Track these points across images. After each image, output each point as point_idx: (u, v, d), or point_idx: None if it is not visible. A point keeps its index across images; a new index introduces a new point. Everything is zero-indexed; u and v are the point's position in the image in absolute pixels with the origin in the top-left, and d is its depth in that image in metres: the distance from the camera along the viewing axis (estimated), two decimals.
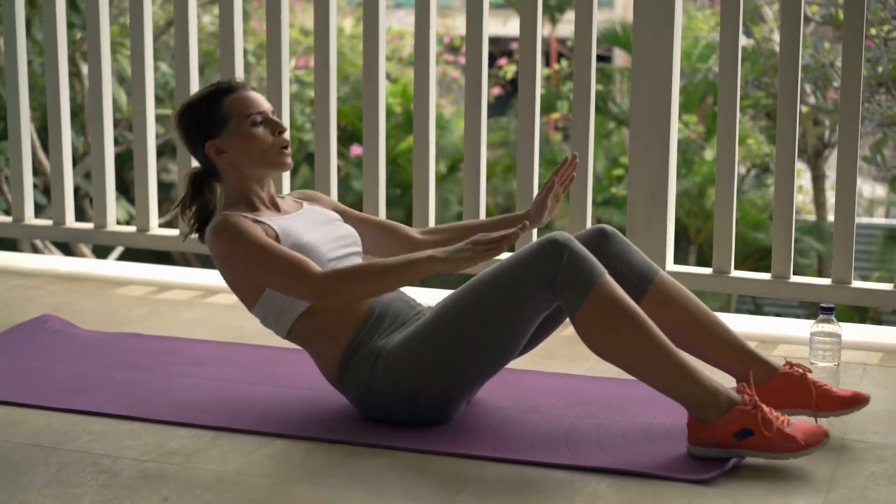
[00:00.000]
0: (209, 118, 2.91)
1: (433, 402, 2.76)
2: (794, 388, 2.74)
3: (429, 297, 3.63)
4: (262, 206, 2.93)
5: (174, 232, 4.54)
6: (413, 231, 3.14)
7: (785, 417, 2.55)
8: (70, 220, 4.66)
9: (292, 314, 2.82)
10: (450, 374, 2.72)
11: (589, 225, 3.94)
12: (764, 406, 2.53)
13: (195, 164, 3.04)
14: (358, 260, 2.95)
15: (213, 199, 2.98)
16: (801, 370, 2.77)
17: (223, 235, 2.80)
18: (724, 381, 2.78)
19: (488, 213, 13.04)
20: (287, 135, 2.95)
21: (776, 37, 9.85)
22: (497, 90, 14.47)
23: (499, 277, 2.68)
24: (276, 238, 2.81)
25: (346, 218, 3.12)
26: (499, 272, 2.69)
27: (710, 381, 2.56)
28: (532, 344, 2.91)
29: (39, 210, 9.07)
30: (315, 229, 2.91)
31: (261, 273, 2.77)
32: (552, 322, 2.87)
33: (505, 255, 3.47)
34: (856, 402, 2.73)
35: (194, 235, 3.01)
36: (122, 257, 10.20)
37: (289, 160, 2.94)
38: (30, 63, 6.94)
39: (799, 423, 2.55)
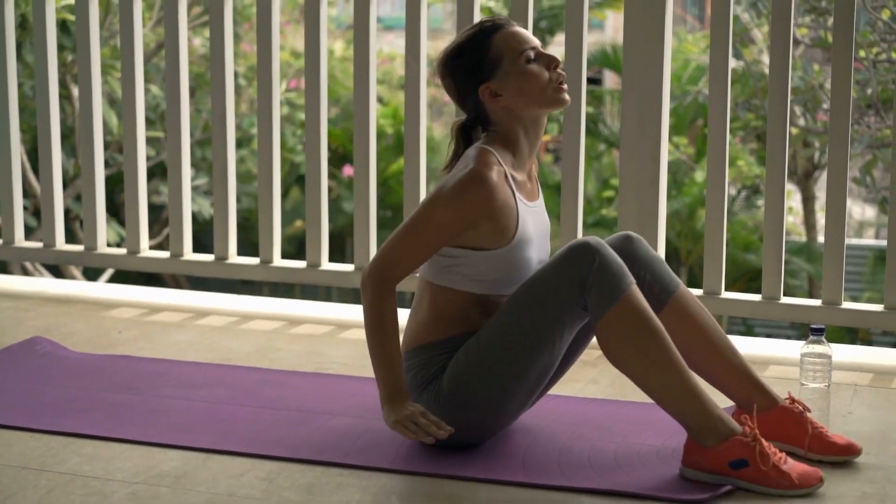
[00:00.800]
0: (480, 60, 2.75)
1: (472, 425, 2.73)
2: (790, 424, 2.74)
3: None
4: (522, 167, 2.79)
5: (164, 254, 4.53)
6: None
7: (783, 455, 2.54)
8: (60, 243, 4.65)
9: (457, 283, 2.73)
10: (490, 395, 2.69)
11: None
12: (763, 440, 2.53)
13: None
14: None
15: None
16: (800, 408, 2.76)
17: (469, 180, 2.65)
18: (723, 402, 2.79)
19: None
20: (562, 70, 2.79)
21: (766, 59, 9.89)
22: None
23: (533, 288, 2.65)
24: (515, 229, 2.71)
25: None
26: (533, 283, 2.66)
27: (717, 409, 2.56)
28: (564, 367, 2.87)
29: (29, 232, 9.06)
30: (538, 242, 2.81)
31: (414, 223, 2.68)
32: (580, 345, 2.84)
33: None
34: (848, 451, 2.72)
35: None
36: (112, 279, 10.18)
37: (567, 97, 2.77)
38: (20, 85, 6.94)
39: (795, 463, 2.54)
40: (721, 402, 2.81)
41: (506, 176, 2.72)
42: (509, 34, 2.77)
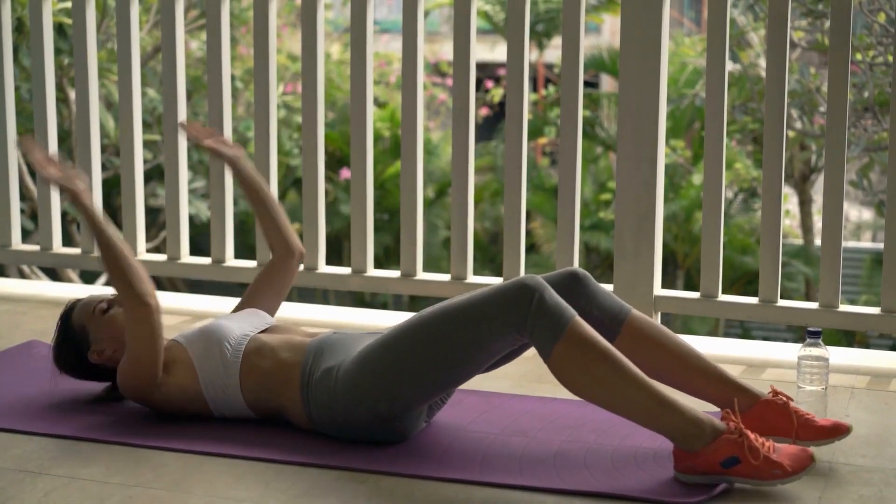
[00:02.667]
0: (73, 340, 3.06)
1: (392, 417, 2.76)
2: (776, 415, 2.74)
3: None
4: None
5: (162, 257, 4.53)
6: (274, 253, 3.35)
7: (771, 443, 2.54)
8: (57, 246, 4.65)
9: (233, 381, 2.91)
10: (406, 393, 2.73)
11: (576, 251, 3.94)
12: (750, 434, 2.53)
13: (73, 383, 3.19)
14: (265, 318, 3.14)
15: None
16: (784, 398, 2.77)
17: (120, 381, 2.96)
18: (706, 409, 2.79)
19: (476, 239, 13.07)
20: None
21: (762, 62, 9.89)
22: (485, 111, 14.51)
23: (466, 313, 2.67)
24: (180, 345, 2.99)
25: (249, 297, 3.32)
26: (466, 308, 2.68)
27: (693, 411, 2.56)
28: (495, 367, 2.90)
29: (26, 235, 9.06)
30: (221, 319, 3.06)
31: (137, 363, 2.91)
32: (517, 352, 2.86)
33: (494, 281, 3.47)
34: (836, 431, 2.73)
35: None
36: (109, 283, 10.18)
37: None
38: (17, 89, 6.94)
39: (785, 448, 2.55)
40: (705, 409, 2.81)
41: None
42: (80, 306, 3.09)
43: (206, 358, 2.92)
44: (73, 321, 3.08)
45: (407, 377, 2.72)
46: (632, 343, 2.82)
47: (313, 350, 2.87)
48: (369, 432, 2.80)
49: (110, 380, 3.11)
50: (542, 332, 2.60)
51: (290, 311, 4.31)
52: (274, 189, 4.29)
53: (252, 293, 3.31)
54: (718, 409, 2.83)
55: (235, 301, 4.42)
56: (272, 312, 3.28)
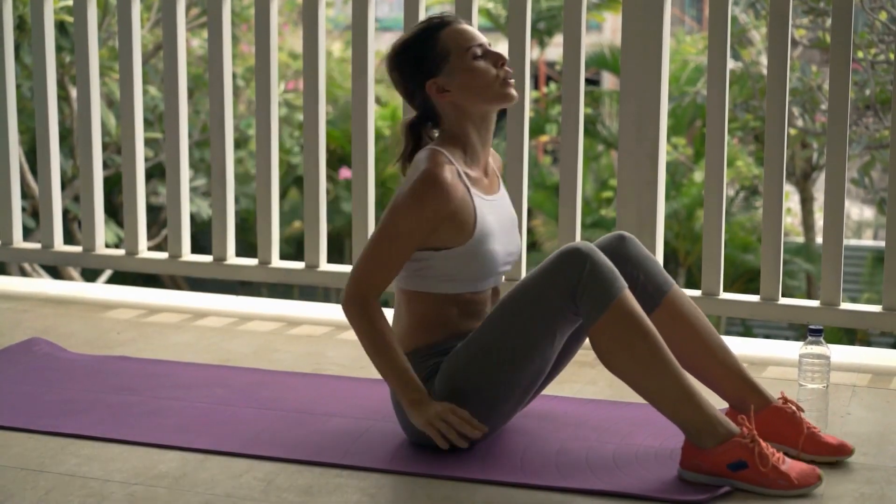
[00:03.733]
0: (427, 55, 2.77)
1: (485, 421, 2.73)
2: (783, 424, 2.74)
3: None
4: (476, 163, 2.81)
5: (163, 255, 4.53)
6: None
7: (781, 455, 2.54)
8: (58, 244, 4.65)
9: (428, 286, 2.76)
10: (483, 399, 2.70)
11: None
12: (762, 441, 2.53)
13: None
14: (501, 278, 2.88)
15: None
16: (793, 407, 2.76)
17: (423, 183, 2.67)
18: (716, 402, 2.79)
19: None
20: (509, 67, 2.80)
21: (764, 60, 9.90)
22: None
23: (524, 293, 2.65)
24: (473, 224, 2.73)
25: None
26: (524, 288, 2.66)
27: (714, 410, 2.56)
28: (557, 369, 2.89)
29: (28, 233, 9.06)
30: (502, 235, 2.82)
31: (379, 236, 2.70)
32: (572, 347, 2.85)
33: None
34: (840, 451, 2.72)
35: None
36: (110, 280, 10.19)
37: (514, 92, 2.78)
38: (18, 87, 6.94)
39: (793, 463, 2.54)
40: (715, 402, 2.81)
41: (459, 174, 2.74)
42: (456, 31, 2.79)
43: (457, 260, 2.74)
44: (440, 39, 2.77)
45: (491, 379, 2.67)
46: (668, 318, 2.79)
47: (460, 338, 2.77)
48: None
49: (422, 112, 2.83)
50: (592, 299, 2.58)
51: (289, 310, 4.31)
52: (275, 187, 4.29)
53: None
54: (727, 405, 2.83)
55: (237, 298, 4.44)
56: None
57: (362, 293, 2.71)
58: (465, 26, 2.81)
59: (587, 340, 2.71)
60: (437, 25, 2.80)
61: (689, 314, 2.82)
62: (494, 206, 2.82)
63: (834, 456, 2.71)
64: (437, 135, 2.85)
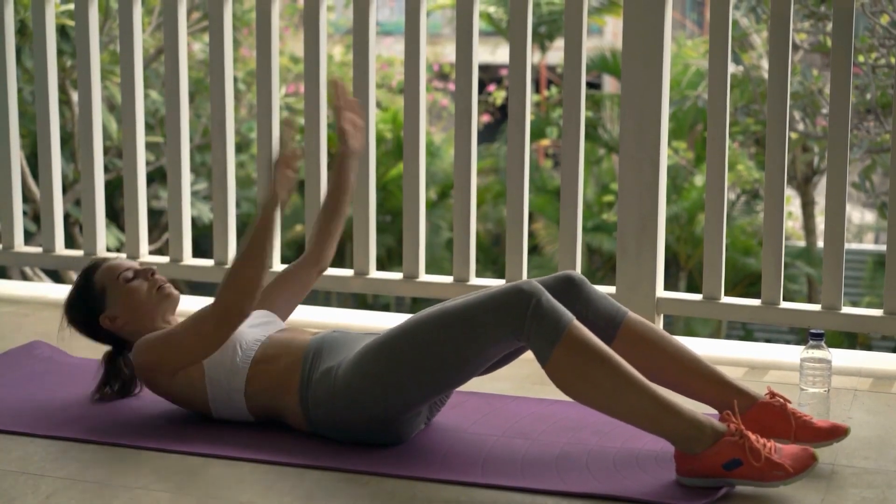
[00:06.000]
0: (87, 300, 3.08)
1: (389, 419, 2.76)
2: (773, 417, 2.74)
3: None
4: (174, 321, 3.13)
5: (164, 259, 4.53)
6: (304, 256, 3.32)
7: (772, 444, 2.54)
8: (60, 248, 4.65)
9: (239, 385, 2.90)
10: (403, 396, 2.73)
11: (579, 250, 3.94)
12: (750, 435, 2.53)
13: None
14: (278, 324, 3.12)
15: (132, 374, 3.14)
16: (781, 400, 2.77)
17: (140, 351, 2.95)
18: (705, 411, 2.79)
19: (479, 240, 13.06)
20: (159, 276, 3.11)
21: (765, 64, 9.90)
22: (486, 118, 14.52)
23: (463, 318, 2.67)
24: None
25: (263, 299, 3.24)
26: (463, 312, 2.67)
27: (693, 413, 2.55)
28: (493, 369, 2.90)
29: (29, 237, 9.05)
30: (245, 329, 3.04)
31: (173, 350, 2.91)
32: (514, 355, 2.86)
33: (496, 283, 3.47)
34: (834, 433, 2.73)
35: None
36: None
37: (173, 292, 3.11)
38: (20, 91, 6.94)
39: (786, 449, 2.54)
40: (703, 411, 2.82)
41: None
42: (105, 268, 3.11)
43: (218, 358, 2.91)
44: (94, 280, 3.09)
45: (403, 380, 2.71)
46: (629, 346, 2.82)
47: (313, 349, 2.87)
48: (367, 434, 2.80)
49: (112, 344, 3.13)
50: (540, 337, 2.59)
51: (293, 313, 4.30)
52: None
53: (267, 295, 3.26)
54: (716, 412, 2.83)
55: None
56: (284, 318, 3.27)
57: (212, 318, 2.89)
58: (112, 261, 3.14)
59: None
60: (90, 271, 3.13)
61: (649, 335, 2.84)
62: None
63: (829, 440, 2.72)
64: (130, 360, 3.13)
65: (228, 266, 2.93)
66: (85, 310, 3.09)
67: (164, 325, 3.09)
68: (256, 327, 3.04)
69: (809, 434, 2.72)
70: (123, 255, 3.28)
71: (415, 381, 2.71)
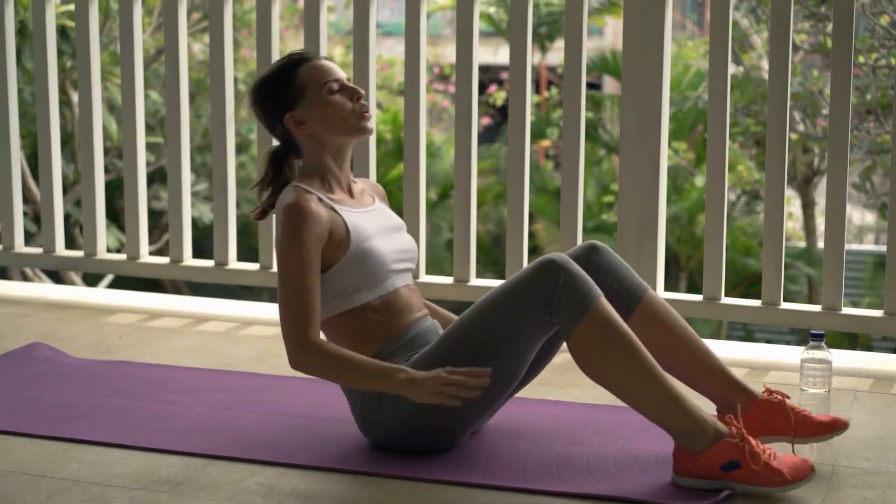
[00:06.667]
0: (285, 90, 2.87)
1: (434, 431, 2.75)
2: (773, 414, 2.74)
3: None
4: (338, 187, 2.90)
5: (164, 260, 4.53)
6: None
7: (772, 451, 2.54)
8: (60, 248, 4.65)
9: (336, 308, 2.81)
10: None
11: (580, 239, 3.94)
12: (751, 439, 2.53)
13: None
14: (408, 277, 2.93)
15: (293, 177, 2.93)
16: (779, 397, 2.77)
17: (287, 220, 2.75)
18: (704, 404, 2.79)
19: (479, 241, 13.07)
20: (366, 101, 2.91)
21: (765, 65, 9.90)
22: (486, 120, 14.52)
23: (498, 303, 2.67)
24: (347, 232, 2.79)
25: None
26: (498, 297, 2.68)
27: (699, 411, 2.56)
28: (531, 374, 2.90)
29: (29, 238, 9.05)
30: (384, 235, 2.89)
31: (281, 279, 2.76)
32: (551, 348, 2.86)
33: (496, 283, 3.47)
34: (834, 427, 2.73)
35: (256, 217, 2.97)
36: (112, 285, 10.18)
37: (369, 125, 2.90)
38: (20, 91, 6.93)
39: (785, 457, 2.54)
40: (703, 406, 2.82)
41: (320, 199, 2.81)
42: (314, 67, 2.89)
43: (350, 276, 2.79)
44: (298, 74, 2.87)
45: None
46: (645, 322, 2.81)
47: (404, 338, 2.82)
48: (411, 442, 2.77)
49: (283, 143, 2.92)
50: (568, 309, 2.60)
51: None
52: None
53: None
54: (713, 405, 2.83)
55: (238, 302, 4.43)
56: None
57: (301, 338, 2.73)
58: (324, 62, 2.92)
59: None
60: (296, 61, 2.91)
61: (666, 317, 2.83)
62: (368, 216, 2.90)
63: (830, 433, 2.72)
64: (299, 164, 2.95)
65: (338, 360, 2.71)
66: (275, 99, 2.88)
67: (336, 167, 2.89)
68: (399, 272, 2.89)
69: (809, 428, 2.72)
70: (334, 63, 2.95)
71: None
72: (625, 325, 2.60)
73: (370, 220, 2.89)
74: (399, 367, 2.69)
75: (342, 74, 2.90)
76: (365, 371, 2.69)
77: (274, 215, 2.89)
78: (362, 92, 2.89)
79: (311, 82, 2.86)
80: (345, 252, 2.79)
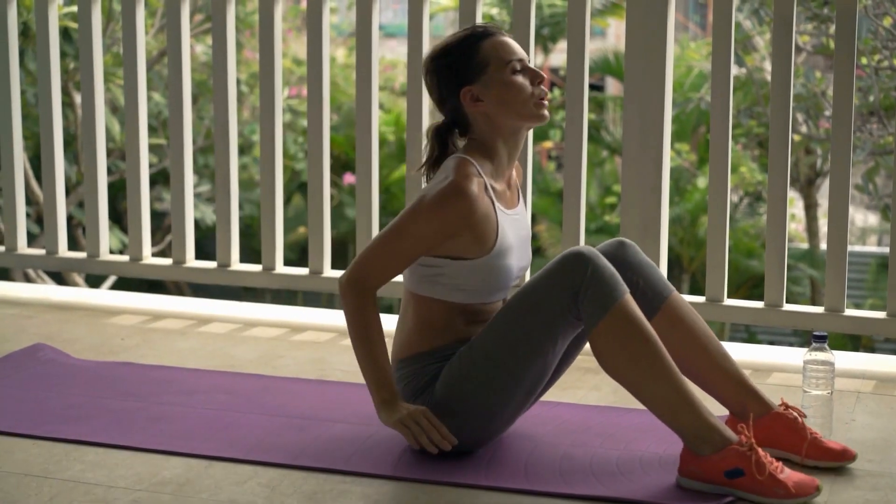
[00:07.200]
0: (466, 63, 2.75)
1: (468, 433, 2.74)
2: (785, 430, 2.73)
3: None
4: (501, 177, 2.81)
5: (167, 261, 4.54)
6: None
7: (779, 464, 2.53)
8: (63, 250, 4.65)
9: (443, 294, 2.75)
10: (486, 403, 2.70)
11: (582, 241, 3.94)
12: (760, 449, 2.52)
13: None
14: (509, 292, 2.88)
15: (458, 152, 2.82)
16: (795, 414, 2.76)
17: (448, 194, 2.65)
18: (716, 408, 2.79)
19: None
20: (546, 87, 2.79)
21: (768, 66, 9.90)
22: None
23: (526, 298, 2.66)
24: (495, 238, 2.72)
25: None
26: (525, 292, 2.67)
27: (711, 417, 2.56)
28: (557, 374, 2.89)
29: (32, 239, 9.05)
30: (519, 250, 2.82)
31: (394, 230, 2.69)
32: (573, 351, 2.86)
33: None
34: (843, 456, 2.71)
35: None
36: (114, 286, 10.18)
37: (547, 112, 2.78)
38: (23, 93, 6.94)
39: (792, 472, 2.53)
40: (714, 409, 2.82)
41: (485, 186, 2.73)
42: (498, 43, 2.77)
43: (476, 272, 2.73)
44: (482, 48, 2.75)
45: (489, 388, 2.68)
46: (667, 324, 2.80)
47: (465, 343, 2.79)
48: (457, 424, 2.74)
49: (451, 117, 2.81)
50: (593, 303, 2.59)
51: (294, 316, 4.31)
52: (279, 193, 4.29)
53: None
54: (727, 412, 2.83)
55: (241, 304, 4.43)
56: None
57: (363, 280, 2.71)
58: (508, 39, 2.79)
59: (588, 346, 2.71)
60: (480, 34, 2.78)
61: (689, 320, 2.82)
62: (514, 221, 2.82)
63: (837, 461, 2.71)
64: (463, 143, 2.83)
65: (362, 327, 2.71)
66: (454, 71, 2.76)
67: (505, 152, 2.78)
68: (512, 288, 2.85)
69: (819, 452, 2.71)
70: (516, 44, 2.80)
71: (502, 381, 2.68)
72: (648, 324, 2.60)
73: (515, 226, 2.82)
74: (394, 389, 2.71)
75: (525, 55, 2.79)
76: (370, 358, 2.70)
77: (436, 173, 2.79)
78: (545, 76, 2.78)
79: (495, 58, 2.74)
80: (481, 255, 2.73)
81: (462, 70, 2.75)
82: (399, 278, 3.02)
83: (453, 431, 2.71)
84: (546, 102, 2.78)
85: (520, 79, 2.75)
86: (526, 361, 2.67)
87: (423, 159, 2.86)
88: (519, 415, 2.81)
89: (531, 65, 2.82)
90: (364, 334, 2.71)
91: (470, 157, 2.75)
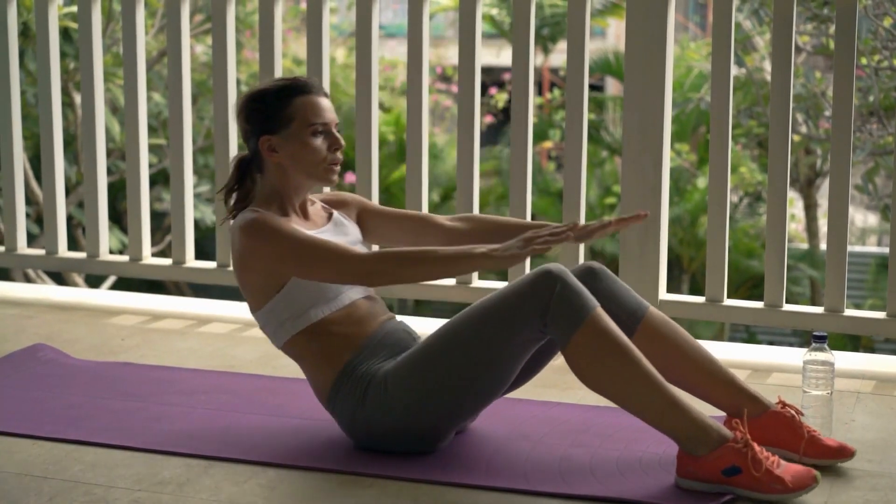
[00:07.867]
0: (274, 113, 2.86)
1: (420, 432, 2.75)
2: (782, 428, 2.74)
3: (425, 326, 3.60)
4: (293, 212, 2.92)
5: (167, 261, 4.53)
6: (442, 219, 3.10)
7: (776, 458, 2.54)
8: (63, 250, 4.65)
9: (293, 328, 2.81)
10: (438, 404, 2.71)
11: (581, 252, 3.94)
12: (755, 445, 2.52)
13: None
14: (366, 289, 2.94)
15: (254, 190, 2.93)
16: (792, 412, 2.76)
17: (256, 232, 2.77)
18: (713, 413, 2.79)
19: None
20: (341, 154, 2.91)
21: (768, 66, 9.90)
22: (489, 118, 14.51)
23: (492, 308, 2.68)
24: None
25: (374, 217, 3.11)
26: (492, 303, 2.69)
27: (701, 416, 2.56)
28: (522, 380, 2.90)
29: (32, 239, 9.05)
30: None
31: (304, 263, 2.75)
32: (544, 356, 2.86)
33: (497, 285, 3.47)
34: (841, 454, 2.72)
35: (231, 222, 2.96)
36: (114, 286, 10.18)
37: (334, 178, 2.90)
38: (23, 93, 6.93)
39: (788, 466, 2.54)
40: (713, 413, 2.82)
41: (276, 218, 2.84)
42: (310, 102, 2.88)
43: (300, 289, 2.81)
44: (293, 102, 2.86)
45: (438, 388, 2.70)
46: (647, 341, 2.80)
47: (376, 339, 2.83)
48: (394, 441, 2.78)
49: (252, 157, 2.91)
50: (563, 319, 2.60)
51: None
52: None
53: (393, 217, 3.12)
54: (724, 415, 2.83)
55: (241, 304, 4.43)
56: (392, 243, 3.13)
57: (361, 265, 2.73)
58: (321, 101, 2.90)
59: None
60: (297, 89, 2.88)
61: (669, 333, 2.83)
62: (323, 232, 2.91)
63: (835, 459, 2.71)
64: (259, 178, 2.93)
65: (412, 253, 2.74)
66: (262, 117, 2.86)
67: (294, 198, 2.91)
68: (355, 288, 2.90)
69: (817, 450, 2.71)
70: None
71: (454, 385, 2.70)
72: (621, 334, 2.60)
73: (326, 235, 2.89)
74: (479, 246, 2.69)
75: (331, 118, 2.90)
76: (448, 258, 2.69)
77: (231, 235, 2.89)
78: (342, 144, 2.90)
79: (301, 117, 2.86)
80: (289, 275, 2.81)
81: (269, 119, 2.87)
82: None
83: (410, 429, 2.74)
84: (337, 169, 2.90)
85: (318, 141, 2.87)
86: (486, 369, 2.69)
87: (222, 186, 2.97)
88: (476, 416, 2.86)
89: (338, 131, 2.92)
90: (421, 254, 2.72)
91: (256, 207, 2.87)
